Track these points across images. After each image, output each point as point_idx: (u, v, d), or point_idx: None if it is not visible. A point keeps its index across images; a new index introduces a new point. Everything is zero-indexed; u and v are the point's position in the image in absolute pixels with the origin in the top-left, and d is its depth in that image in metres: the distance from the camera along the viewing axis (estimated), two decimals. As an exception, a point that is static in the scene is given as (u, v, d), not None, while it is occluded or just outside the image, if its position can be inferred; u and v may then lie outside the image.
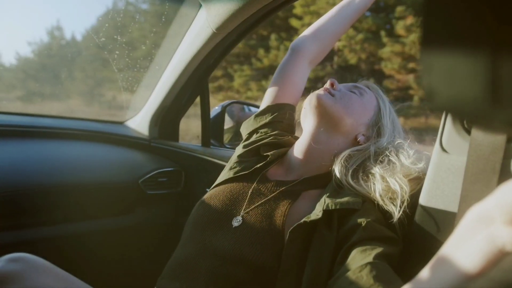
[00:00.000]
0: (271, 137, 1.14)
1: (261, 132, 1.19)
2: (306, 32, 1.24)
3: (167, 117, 1.89)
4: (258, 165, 1.05)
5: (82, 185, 1.53)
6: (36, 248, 1.41)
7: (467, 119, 0.75)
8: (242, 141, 1.20)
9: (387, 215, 0.86)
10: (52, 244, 1.46)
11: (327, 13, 1.25)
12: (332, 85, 1.05)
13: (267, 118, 1.19)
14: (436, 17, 0.27)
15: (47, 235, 1.44)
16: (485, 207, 0.39)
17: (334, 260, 0.78)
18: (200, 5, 1.34)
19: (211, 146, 1.79)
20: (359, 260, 0.72)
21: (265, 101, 1.23)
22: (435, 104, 0.29)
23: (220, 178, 1.11)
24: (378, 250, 0.73)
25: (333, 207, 0.83)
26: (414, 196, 0.85)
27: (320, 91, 1.03)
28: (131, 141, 1.93)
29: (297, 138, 1.15)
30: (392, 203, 0.85)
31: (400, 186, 0.86)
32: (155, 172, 1.71)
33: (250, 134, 1.21)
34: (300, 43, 1.23)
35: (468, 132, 0.75)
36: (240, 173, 1.05)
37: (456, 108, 0.29)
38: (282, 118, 1.18)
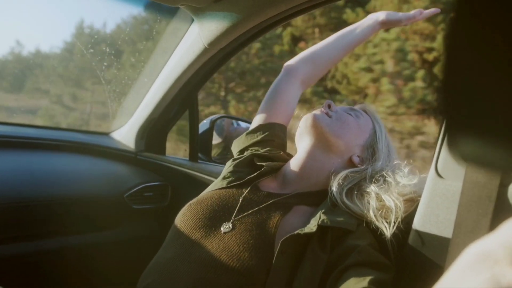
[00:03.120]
0: (265, 151, 1.15)
1: (252, 150, 1.19)
2: (302, 54, 1.27)
3: (154, 130, 1.86)
4: (252, 176, 1.05)
5: (66, 199, 1.48)
6: (16, 263, 1.37)
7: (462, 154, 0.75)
8: (233, 158, 1.19)
9: (380, 239, 0.85)
10: (34, 259, 1.41)
11: (326, 39, 1.27)
12: (329, 106, 1.07)
13: (258, 137, 1.19)
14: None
15: (28, 250, 1.39)
16: (487, 246, 0.36)
17: (324, 280, 0.77)
18: (193, 20, 1.33)
19: (199, 161, 1.76)
20: (353, 284, 0.71)
21: (257, 120, 1.24)
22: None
23: (212, 187, 1.10)
24: (373, 275, 0.72)
25: (328, 223, 0.83)
26: (408, 220, 0.85)
27: (317, 112, 1.05)
28: (116, 153, 1.89)
29: (289, 154, 1.17)
30: (386, 221, 0.85)
31: (394, 203, 0.86)
32: (141, 186, 1.67)
33: (241, 152, 1.21)
34: (294, 64, 1.25)
35: None
36: (233, 183, 1.05)
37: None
38: (273, 137, 1.19)
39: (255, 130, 1.21)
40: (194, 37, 1.31)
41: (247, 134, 1.22)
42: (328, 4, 1.09)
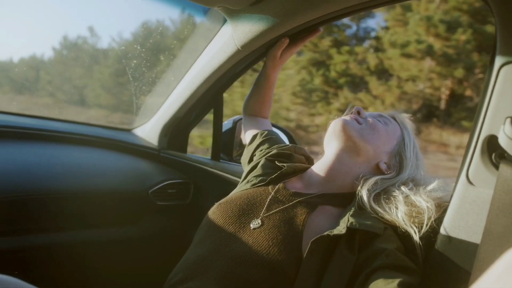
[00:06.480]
0: (274, 150, 1.21)
1: (260, 150, 1.27)
2: (246, 98, 1.48)
3: (178, 128, 1.88)
4: (273, 176, 1.09)
5: (91, 192, 1.52)
6: (39, 255, 1.40)
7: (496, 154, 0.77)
8: (247, 170, 1.24)
9: (407, 244, 0.87)
10: (56, 251, 1.43)
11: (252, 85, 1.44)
12: (358, 112, 1.09)
13: (258, 140, 1.31)
14: None
15: (51, 242, 1.42)
16: None
17: (351, 281, 0.79)
18: (225, 20, 1.35)
19: (221, 160, 1.79)
20: (382, 285, 0.73)
21: (249, 138, 1.38)
22: None
23: (236, 190, 1.14)
24: (401, 278, 0.74)
25: (357, 226, 0.85)
26: (435, 225, 0.87)
27: (347, 117, 1.07)
28: (140, 150, 1.92)
29: (299, 148, 1.25)
30: (414, 225, 0.87)
31: (426, 204, 0.88)
32: (166, 183, 1.70)
33: (250, 161, 1.29)
34: (243, 107, 1.49)
35: (496, 166, 0.76)
36: (258, 185, 1.09)
37: None
38: (270, 135, 1.32)
39: (251, 140, 1.34)
40: (226, 38, 1.33)
41: (247, 146, 1.34)
42: (370, 9, 1.08)
